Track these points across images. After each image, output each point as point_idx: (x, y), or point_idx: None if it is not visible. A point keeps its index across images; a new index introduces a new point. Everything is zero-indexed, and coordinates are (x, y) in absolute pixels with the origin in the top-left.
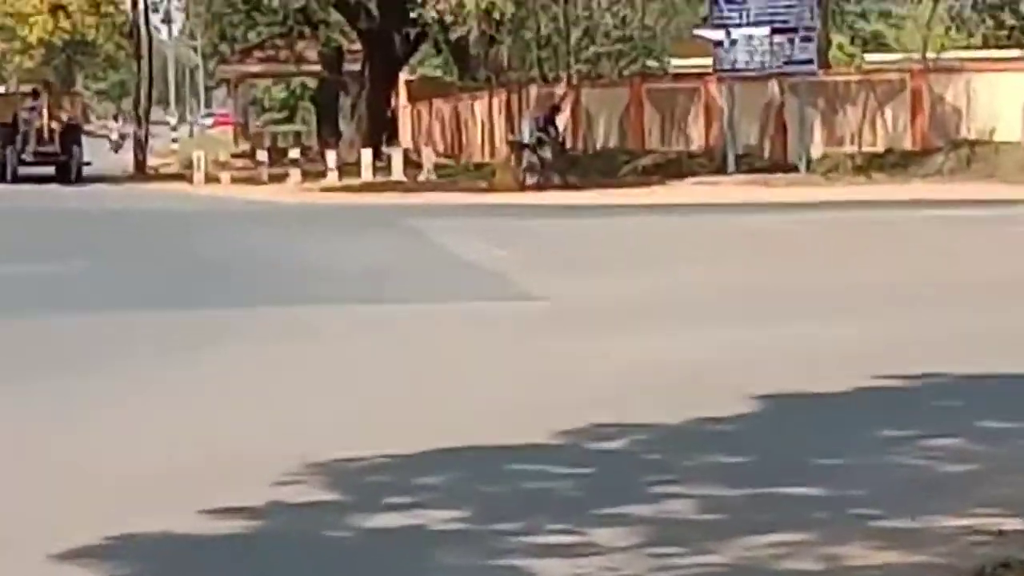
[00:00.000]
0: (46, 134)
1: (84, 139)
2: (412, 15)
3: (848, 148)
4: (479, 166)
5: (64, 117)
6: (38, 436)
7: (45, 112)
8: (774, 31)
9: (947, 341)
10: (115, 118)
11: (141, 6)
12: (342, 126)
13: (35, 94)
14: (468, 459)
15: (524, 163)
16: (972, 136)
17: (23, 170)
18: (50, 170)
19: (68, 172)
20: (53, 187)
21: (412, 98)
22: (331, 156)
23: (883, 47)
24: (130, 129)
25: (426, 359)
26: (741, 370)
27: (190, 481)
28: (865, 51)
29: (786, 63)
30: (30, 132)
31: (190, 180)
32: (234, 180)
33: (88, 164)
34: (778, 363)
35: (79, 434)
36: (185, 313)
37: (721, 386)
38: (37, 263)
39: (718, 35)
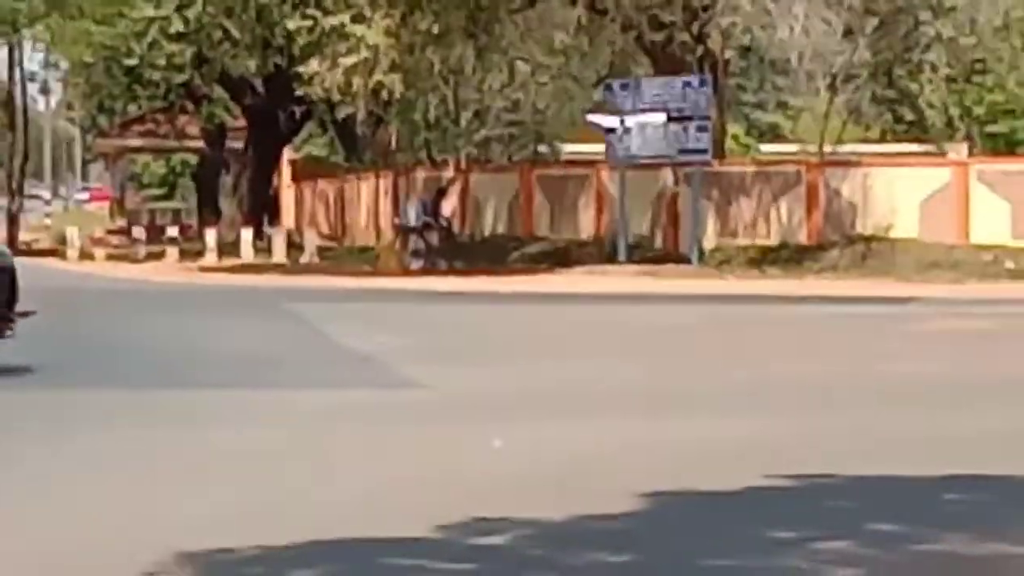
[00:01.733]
0: None
1: None
2: (298, 93)
3: (742, 240)
4: (363, 249)
5: None
6: None
7: None
8: (669, 119)
9: (839, 440)
10: None
11: (17, 76)
12: (223, 204)
13: None
14: (343, 552)
15: (410, 247)
16: (868, 232)
17: None
18: None
19: None
20: None
21: (296, 178)
22: (211, 235)
23: (779, 138)
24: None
25: (303, 447)
26: (628, 465)
27: (54, 571)
28: (761, 142)
29: (680, 152)
30: None
31: (63, 256)
32: (110, 257)
33: None
34: (667, 459)
35: None
36: (52, 393)
37: (608, 481)
38: None
39: (612, 122)
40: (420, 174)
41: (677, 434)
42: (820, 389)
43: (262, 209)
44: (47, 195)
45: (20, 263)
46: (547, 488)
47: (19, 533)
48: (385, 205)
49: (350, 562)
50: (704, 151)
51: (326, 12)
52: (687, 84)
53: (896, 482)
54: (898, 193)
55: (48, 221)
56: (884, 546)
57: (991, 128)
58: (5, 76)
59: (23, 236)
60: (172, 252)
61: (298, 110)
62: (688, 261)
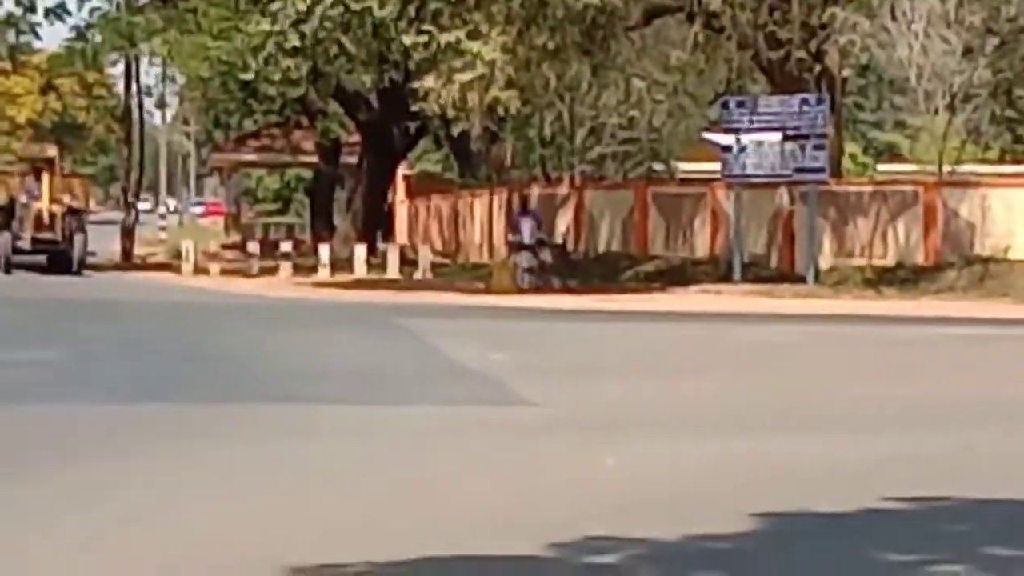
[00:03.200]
0: (46, 219)
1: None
2: (413, 108)
3: (857, 260)
4: (477, 266)
5: (67, 201)
6: (13, 536)
7: (46, 195)
8: (785, 137)
9: (955, 462)
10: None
11: (134, 90)
12: (337, 220)
13: (36, 174)
14: (454, 569)
15: (523, 265)
16: (986, 253)
17: (19, 259)
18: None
19: (68, 263)
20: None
21: (410, 193)
22: (324, 250)
23: (897, 158)
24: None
25: (416, 464)
26: (741, 484)
27: None
28: (878, 161)
29: (797, 170)
30: (28, 217)
31: (178, 271)
32: (223, 272)
33: (93, 255)
34: (780, 480)
35: (54, 534)
36: (168, 408)
37: (721, 500)
38: (14, 351)
39: (727, 140)
40: (535, 190)
41: (791, 454)
42: (935, 410)
43: (376, 225)
44: (162, 209)
45: (134, 278)
46: (660, 507)
47: (135, 550)
48: (499, 222)
49: None
50: (820, 170)
51: (442, 28)
52: (804, 102)
53: (1013, 505)
54: (1017, 214)
55: (163, 235)
56: (1002, 571)
57: None
58: (122, 90)
59: (138, 250)
60: (285, 267)
61: (413, 126)
62: (803, 280)
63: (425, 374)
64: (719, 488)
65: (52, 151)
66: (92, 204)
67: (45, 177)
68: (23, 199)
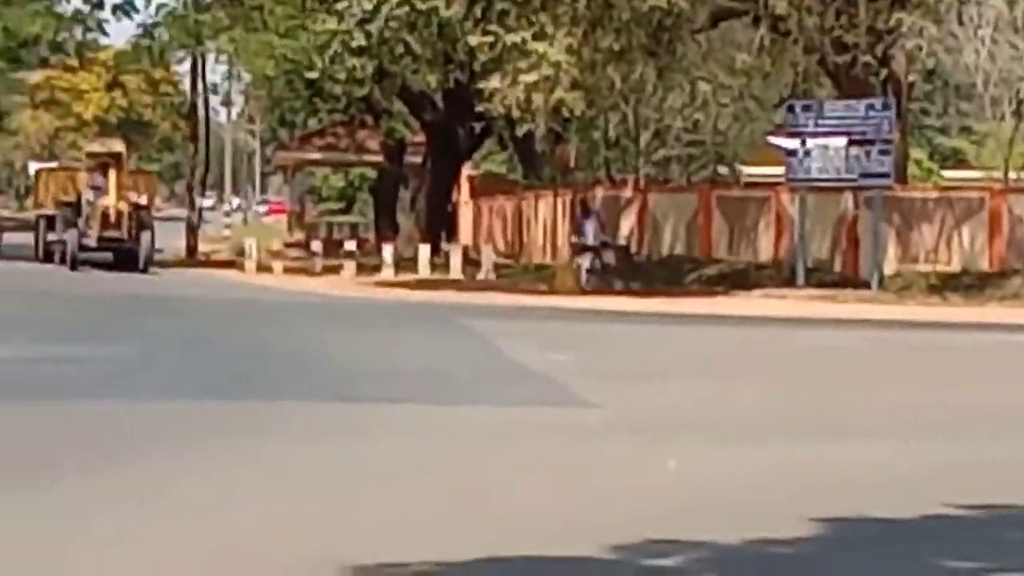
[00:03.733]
0: (112, 216)
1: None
2: (478, 109)
3: (922, 266)
4: (540, 267)
5: (134, 197)
6: (72, 527)
7: (112, 191)
8: (851, 142)
9: (1015, 470)
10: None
11: (200, 88)
12: (400, 219)
13: (103, 170)
14: (514, 570)
15: (586, 266)
16: None
17: (85, 255)
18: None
19: (134, 260)
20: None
21: (474, 194)
22: (388, 250)
23: (963, 164)
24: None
25: (476, 465)
26: (801, 489)
27: None
28: (944, 167)
29: (862, 175)
30: (94, 214)
31: (241, 268)
32: (287, 270)
33: (160, 252)
34: (841, 485)
35: (113, 526)
36: (232, 404)
37: (781, 505)
38: (82, 347)
39: (792, 144)
40: (599, 192)
41: (851, 459)
42: (998, 417)
43: (440, 225)
44: (227, 206)
45: (198, 274)
46: (719, 511)
47: (194, 547)
48: (563, 223)
49: None
50: (886, 175)
51: (508, 29)
52: (870, 107)
53: None
54: None
55: (227, 232)
56: None
57: None
58: (188, 87)
59: (202, 247)
60: (349, 266)
61: (477, 126)
62: (868, 286)
63: (487, 374)
64: (778, 493)
65: (119, 146)
66: (158, 201)
67: (112, 173)
68: (90, 196)
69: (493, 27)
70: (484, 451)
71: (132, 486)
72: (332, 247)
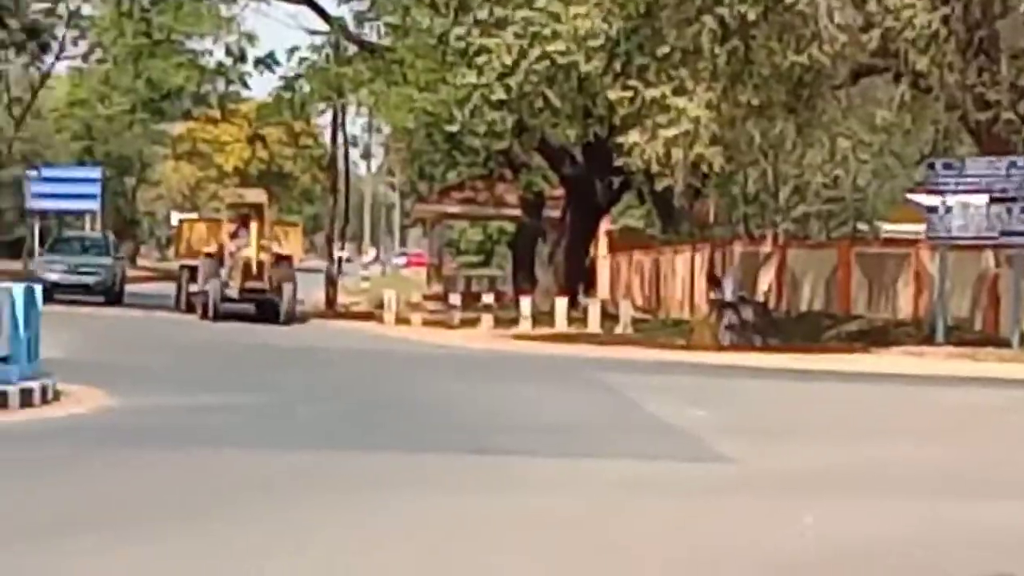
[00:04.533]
0: (254, 268)
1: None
2: (617, 163)
3: None
4: (677, 322)
5: (276, 248)
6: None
7: (255, 242)
8: (992, 200)
9: None
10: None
11: (340, 140)
12: (538, 273)
13: (244, 221)
14: None
15: (724, 322)
16: None
17: (227, 307)
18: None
19: (276, 313)
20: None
21: (612, 248)
22: (525, 303)
23: None
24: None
25: (607, 517)
26: (940, 548)
27: None
28: None
29: (1003, 233)
30: (237, 265)
31: (380, 320)
32: (425, 323)
33: (301, 303)
34: (982, 545)
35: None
36: (368, 456)
37: (920, 564)
38: (217, 396)
39: (933, 201)
40: (737, 248)
41: (992, 519)
42: None
43: (577, 279)
44: (366, 258)
45: (338, 326)
46: (859, 567)
47: None
48: (700, 278)
49: None
50: None
51: (647, 84)
52: (1012, 164)
53: None
54: None
55: (365, 284)
56: None
57: None
58: (328, 140)
59: (341, 299)
60: (487, 319)
61: (616, 180)
62: (1008, 345)
63: (623, 428)
64: (917, 551)
65: (261, 197)
66: (300, 252)
67: (253, 224)
68: (231, 247)
69: (632, 82)
70: (619, 504)
71: (267, 537)
72: (470, 300)
